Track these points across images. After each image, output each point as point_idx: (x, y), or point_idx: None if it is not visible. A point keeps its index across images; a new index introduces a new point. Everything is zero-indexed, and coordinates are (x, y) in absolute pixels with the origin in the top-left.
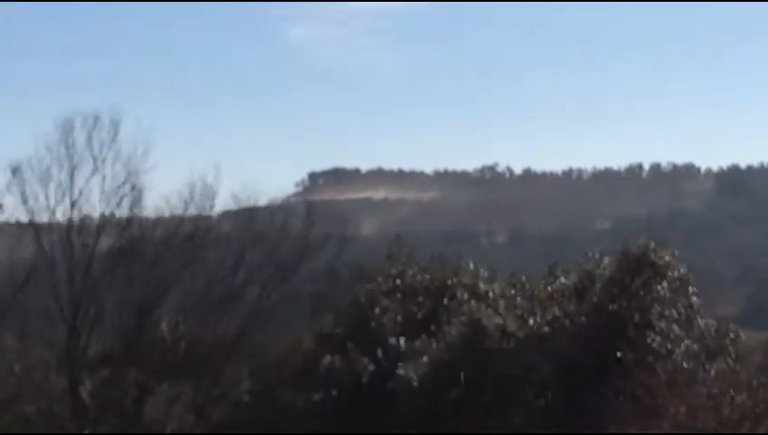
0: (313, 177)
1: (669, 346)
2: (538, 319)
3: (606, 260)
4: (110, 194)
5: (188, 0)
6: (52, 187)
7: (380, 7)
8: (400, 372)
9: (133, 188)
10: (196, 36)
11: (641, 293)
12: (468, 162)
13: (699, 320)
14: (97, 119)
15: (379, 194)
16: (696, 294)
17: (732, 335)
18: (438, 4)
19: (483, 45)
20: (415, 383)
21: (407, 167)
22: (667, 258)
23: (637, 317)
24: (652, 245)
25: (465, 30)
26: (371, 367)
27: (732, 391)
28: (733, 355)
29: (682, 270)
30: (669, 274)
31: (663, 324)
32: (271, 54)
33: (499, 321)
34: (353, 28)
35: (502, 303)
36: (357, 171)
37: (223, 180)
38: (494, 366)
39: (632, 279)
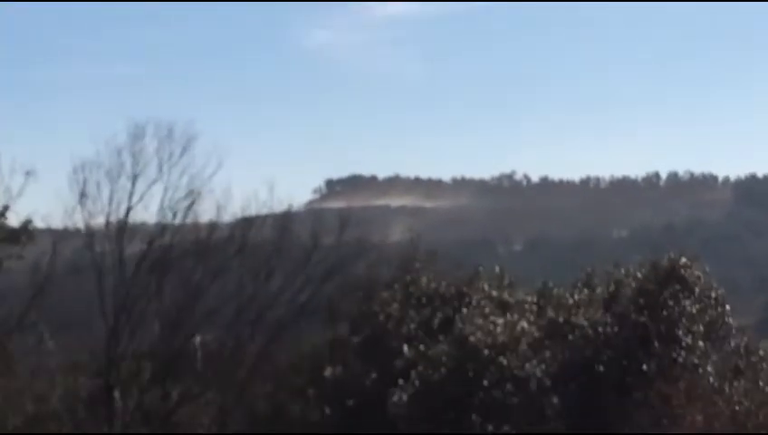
0: (330, 184)
1: (696, 361)
2: (563, 328)
3: (642, 269)
4: (169, 205)
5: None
6: (110, 190)
7: (399, 14)
8: (395, 398)
9: (193, 203)
10: (212, 41)
11: (669, 305)
12: (486, 170)
13: (731, 340)
14: (170, 130)
15: (396, 202)
16: (729, 315)
17: (762, 353)
18: (456, 11)
19: (500, 53)
20: (406, 408)
21: (424, 174)
22: (696, 273)
23: (663, 330)
24: (683, 259)
25: (482, 38)
26: (374, 376)
27: (752, 405)
28: (761, 373)
29: (720, 291)
30: (698, 290)
31: (689, 339)
32: (288, 60)
33: (487, 335)
34: (371, 35)
35: (500, 310)
36: (374, 178)
37: (272, 194)
38: (488, 380)
39: (660, 291)
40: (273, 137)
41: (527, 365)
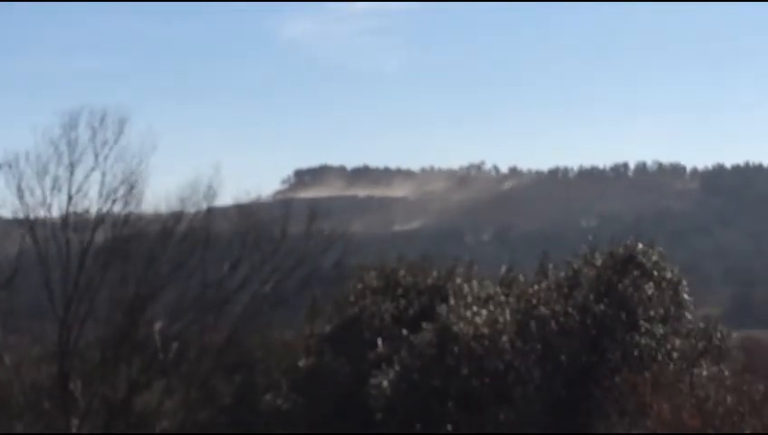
0: (299, 174)
1: (655, 346)
2: (520, 317)
3: (597, 257)
4: (109, 191)
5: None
6: (48, 181)
7: (375, 6)
8: (374, 380)
9: (132, 187)
10: (187, 32)
11: (629, 293)
12: (454, 160)
13: (688, 316)
14: (103, 116)
15: (363, 192)
16: (686, 292)
17: (720, 335)
18: (432, 5)
19: (472, 47)
20: (387, 392)
21: (392, 165)
22: (654, 258)
23: (624, 317)
24: (640, 246)
25: (455, 31)
26: (348, 368)
27: (717, 391)
28: (723, 356)
29: (675, 270)
30: (656, 274)
31: (650, 325)
32: (262, 52)
33: (470, 326)
34: (344, 27)
35: (479, 304)
36: (343, 169)
37: (217, 179)
38: (468, 370)
39: (619, 279)
40: (244, 128)
41: (505, 357)
